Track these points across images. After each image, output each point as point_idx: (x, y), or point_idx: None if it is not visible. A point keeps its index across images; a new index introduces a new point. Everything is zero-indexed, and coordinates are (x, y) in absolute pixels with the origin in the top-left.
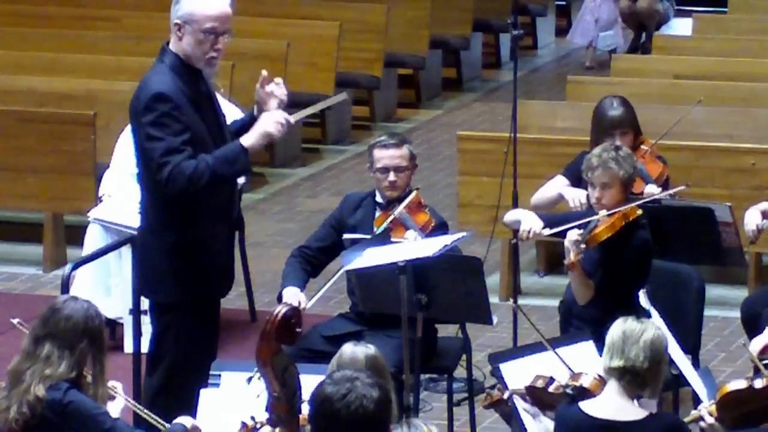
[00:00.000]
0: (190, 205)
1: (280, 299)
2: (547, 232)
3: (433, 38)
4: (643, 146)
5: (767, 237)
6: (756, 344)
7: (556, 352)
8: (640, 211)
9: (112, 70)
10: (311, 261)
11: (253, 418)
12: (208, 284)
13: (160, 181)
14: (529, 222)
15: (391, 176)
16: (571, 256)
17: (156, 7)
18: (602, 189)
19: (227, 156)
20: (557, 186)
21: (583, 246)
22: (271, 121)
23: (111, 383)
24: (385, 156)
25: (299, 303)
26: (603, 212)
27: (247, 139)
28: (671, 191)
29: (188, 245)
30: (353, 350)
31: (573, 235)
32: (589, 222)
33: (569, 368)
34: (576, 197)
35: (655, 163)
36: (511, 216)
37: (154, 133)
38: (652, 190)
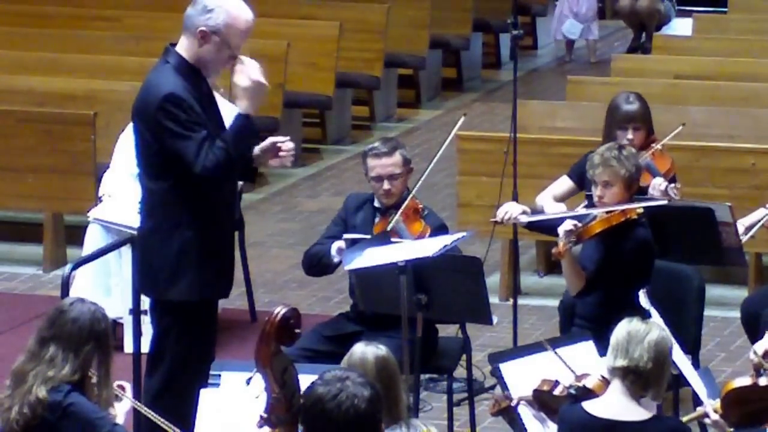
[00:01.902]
0: (198, 203)
1: (327, 264)
2: (525, 219)
3: (433, 38)
4: (653, 144)
5: (767, 237)
6: (759, 348)
7: (564, 361)
8: (641, 210)
9: (112, 70)
10: None
11: None
12: (218, 284)
13: (195, 174)
14: (508, 206)
15: (386, 185)
16: (560, 245)
17: (156, 7)
18: (604, 187)
19: (234, 131)
20: (544, 198)
21: (574, 238)
22: (247, 75)
23: (119, 384)
24: (378, 165)
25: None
26: (601, 210)
27: (240, 105)
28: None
29: (199, 244)
30: (363, 350)
31: (567, 225)
32: (586, 216)
33: (571, 370)
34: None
35: (664, 159)
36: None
37: (176, 130)
38: (657, 182)
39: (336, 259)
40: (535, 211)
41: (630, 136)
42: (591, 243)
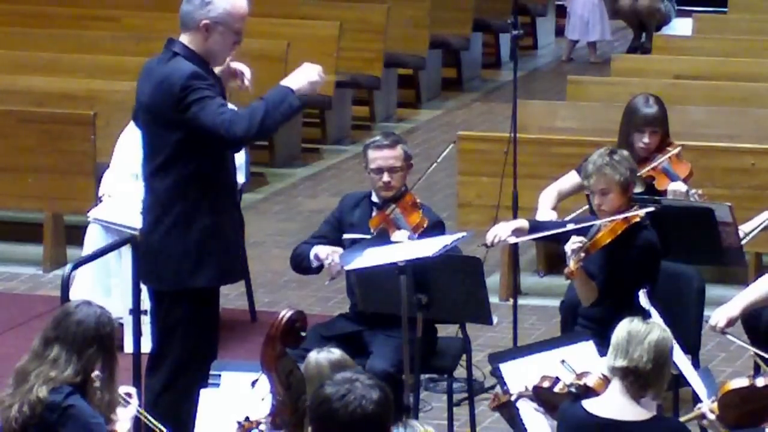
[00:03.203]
0: (212, 191)
1: (307, 266)
2: (513, 240)
3: (433, 38)
4: (668, 148)
5: (767, 237)
6: (722, 315)
7: (575, 372)
8: (642, 213)
9: (112, 70)
10: None
11: (247, 418)
12: (235, 267)
13: (221, 129)
14: (497, 229)
15: (385, 177)
16: (571, 265)
17: (156, 7)
18: (601, 195)
19: (275, 97)
20: (546, 195)
21: (582, 254)
22: (312, 70)
23: (125, 389)
24: (379, 157)
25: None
26: (603, 221)
27: (290, 82)
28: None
29: (217, 230)
30: (317, 358)
31: (573, 243)
32: (589, 227)
33: (573, 371)
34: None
35: (683, 164)
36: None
37: (203, 96)
38: (678, 187)
39: (314, 264)
40: (534, 225)
41: (646, 139)
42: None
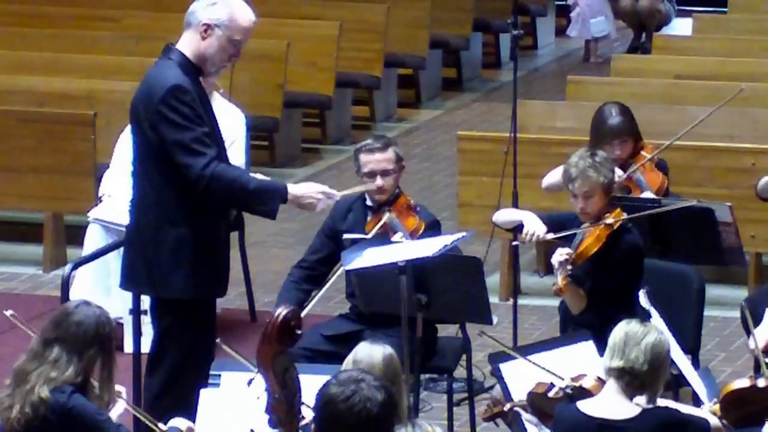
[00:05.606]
0: (194, 200)
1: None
2: (551, 236)
3: (433, 38)
4: (643, 152)
5: (767, 237)
6: (761, 338)
7: (542, 367)
8: (624, 215)
9: (112, 70)
10: (310, 274)
11: (252, 431)
12: (212, 282)
13: (196, 172)
14: (533, 225)
15: (378, 181)
16: (559, 281)
17: (156, 7)
18: (585, 199)
19: (267, 189)
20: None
21: (570, 267)
22: (317, 195)
23: (117, 389)
24: (371, 161)
25: None
26: (586, 225)
27: (294, 190)
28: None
29: (194, 241)
30: (370, 349)
31: (559, 256)
32: (574, 235)
33: (558, 376)
34: None
35: (654, 173)
36: (504, 216)
37: (181, 122)
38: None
39: None
40: (546, 220)
41: (618, 151)
42: None
